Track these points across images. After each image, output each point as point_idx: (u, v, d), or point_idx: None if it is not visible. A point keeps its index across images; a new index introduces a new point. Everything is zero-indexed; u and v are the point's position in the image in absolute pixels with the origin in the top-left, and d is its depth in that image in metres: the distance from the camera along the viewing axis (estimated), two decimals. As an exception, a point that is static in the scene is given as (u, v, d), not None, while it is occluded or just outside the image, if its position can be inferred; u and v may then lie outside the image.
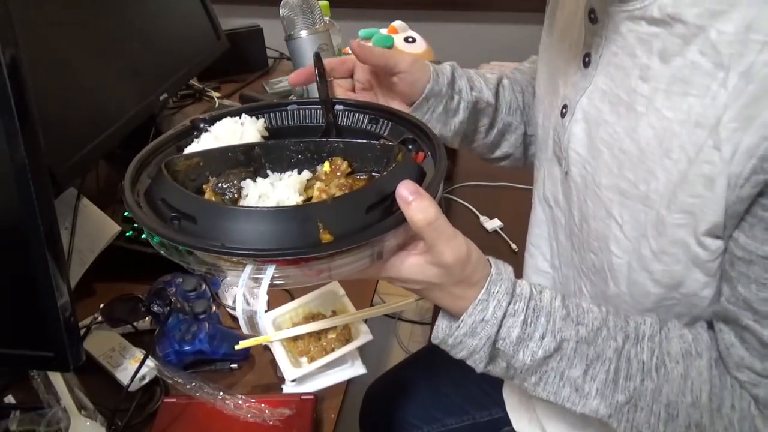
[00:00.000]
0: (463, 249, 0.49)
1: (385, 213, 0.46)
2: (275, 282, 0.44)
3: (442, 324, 0.54)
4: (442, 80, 0.72)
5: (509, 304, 0.52)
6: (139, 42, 1.09)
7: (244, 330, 0.46)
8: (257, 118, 0.61)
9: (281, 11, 0.96)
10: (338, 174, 0.54)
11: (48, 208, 0.54)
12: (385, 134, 0.60)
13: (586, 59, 0.60)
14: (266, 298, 0.44)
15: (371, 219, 0.46)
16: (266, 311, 0.79)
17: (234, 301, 0.85)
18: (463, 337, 0.52)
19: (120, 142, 1.05)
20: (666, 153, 0.51)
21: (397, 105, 0.70)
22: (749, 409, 0.52)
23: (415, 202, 0.45)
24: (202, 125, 0.60)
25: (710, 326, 0.56)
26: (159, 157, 0.55)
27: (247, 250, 0.43)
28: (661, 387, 0.53)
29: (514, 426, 0.83)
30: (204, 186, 0.53)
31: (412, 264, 0.49)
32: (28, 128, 0.51)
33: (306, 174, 0.54)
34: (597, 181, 0.58)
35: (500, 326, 0.52)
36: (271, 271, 0.44)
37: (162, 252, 0.47)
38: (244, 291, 0.45)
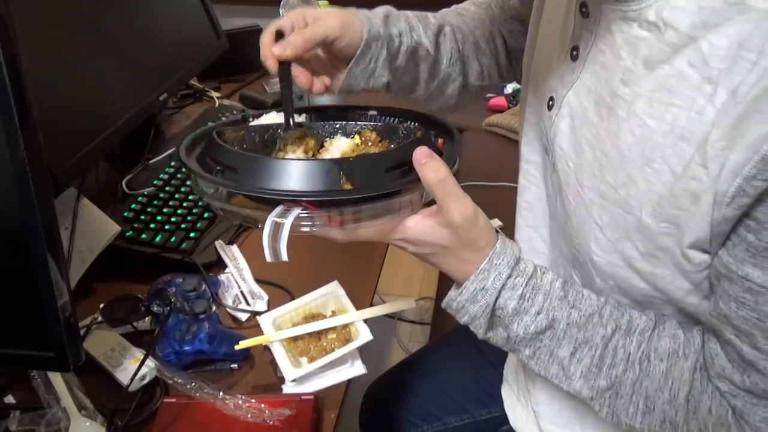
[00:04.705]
0: (471, 210, 0.53)
1: (402, 176, 0.52)
2: (302, 227, 0.50)
3: (450, 291, 0.58)
4: (376, 22, 0.66)
5: (509, 277, 0.55)
6: (139, 42, 1.09)
7: (268, 258, 0.50)
8: (299, 115, 0.69)
9: (281, 11, 0.96)
10: (369, 144, 0.63)
11: (48, 208, 0.53)
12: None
13: (574, 52, 0.59)
14: (288, 231, 0.50)
15: (389, 178, 0.52)
16: (267, 311, 0.81)
17: (234, 302, 0.86)
18: (465, 302, 0.56)
19: (120, 142, 1.05)
20: (647, 162, 0.50)
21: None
22: (727, 416, 0.52)
23: (429, 163, 0.51)
24: (251, 118, 0.68)
25: None
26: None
27: (277, 192, 0.50)
28: (642, 379, 0.55)
29: (512, 424, 0.83)
30: None
31: (424, 225, 0.54)
32: (28, 128, 0.50)
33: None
34: (579, 180, 0.58)
35: (498, 296, 0.55)
36: (296, 211, 0.50)
37: (205, 199, 0.54)
38: (270, 233, 0.50)
